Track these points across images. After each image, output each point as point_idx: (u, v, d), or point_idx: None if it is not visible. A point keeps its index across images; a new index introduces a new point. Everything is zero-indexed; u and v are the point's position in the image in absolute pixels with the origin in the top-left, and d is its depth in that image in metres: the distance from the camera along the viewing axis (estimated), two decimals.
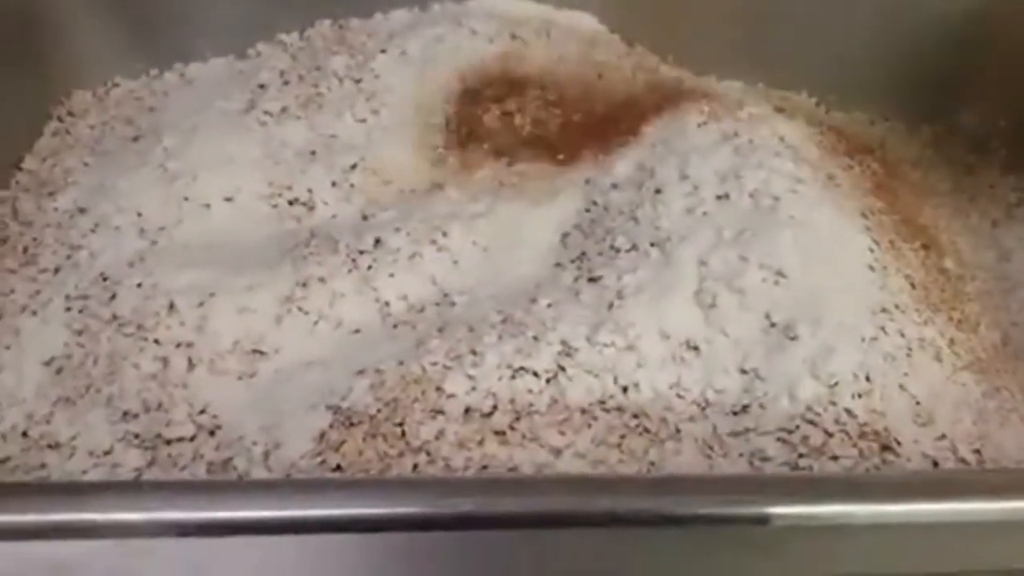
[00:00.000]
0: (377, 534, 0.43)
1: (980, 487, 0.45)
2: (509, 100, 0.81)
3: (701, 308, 0.60)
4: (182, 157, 0.73)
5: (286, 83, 0.81)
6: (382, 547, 0.43)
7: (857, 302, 0.60)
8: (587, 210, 0.71)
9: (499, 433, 0.55)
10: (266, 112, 0.78)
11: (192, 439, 0.57)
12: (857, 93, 0.88)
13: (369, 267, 0.65)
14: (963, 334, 0.64)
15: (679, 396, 0.57)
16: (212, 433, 0.58)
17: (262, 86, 0.81)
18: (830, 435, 0.54)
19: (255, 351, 0.61)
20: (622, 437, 0.56)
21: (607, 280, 0.63)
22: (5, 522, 0.41)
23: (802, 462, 0.53)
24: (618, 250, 0.65)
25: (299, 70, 0.83)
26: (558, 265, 0.67)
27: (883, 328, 0.59)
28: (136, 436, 0.57)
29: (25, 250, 0.70)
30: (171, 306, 0.62)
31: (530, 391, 0.57)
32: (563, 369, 0.58)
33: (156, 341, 0.61)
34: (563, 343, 0.59)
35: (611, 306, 0.60)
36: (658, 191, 0.68)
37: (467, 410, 0.56)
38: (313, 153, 0.75)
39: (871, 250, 0.64)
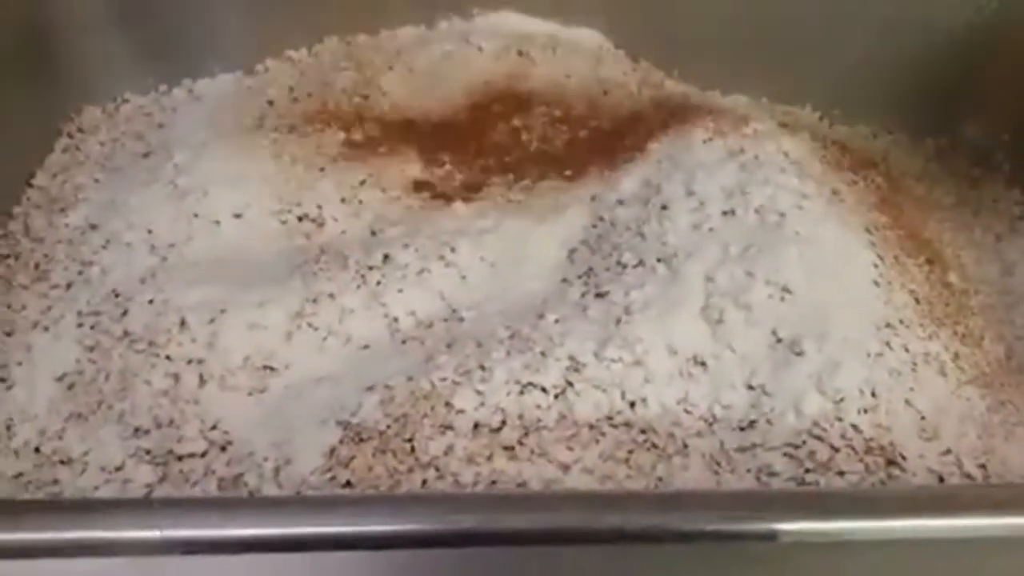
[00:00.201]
0: (388, 551, 0.43)
1: (985, 502, 0.45)
2: (516, 116, 0.81)
3: (708, 324, 0.60)
4: (192, 173, 0.73)
5: (295, 99, 0.82)
6: (393, 564, 0.44)
7: (862, 317, 0.60)
8: (594, 226, 0.71)
9: (508, 448, 0.56)
10: (275, 128, 0.78)
11: (203, 455, 0.58)
12: (861, 107, 0.89)
13: (378, 283, 0.66)
14: (967, 348, 0.64)
15: (686, 411, 0.58)
16: (223, 449, 0.58)
17: (270, 102, 0.82)
18: (836, 450, 0.54)
19: (266, 367, 0.62)
20: (630, 452, 0.56)
21: (614, 296, 0.63)
22: (16, 540, 0.41)
23: (808, 477, 0.53)
24: (625, 266, 0.66)
25: (307, 86, 0.84)
26: (565, 281, 0.68)
27: (888, 343, 0.59)
28: (148, 452, 0.58)
29: (37, 266, 0.71)
30: (182, 322, 0.62)
31: (538, 406, 0.57)
32: (571, 384, 0.58)
33: (167, 357, 0.61)
34: (571, 358, 0.59)
35: (618, 322, 0.61)
36: (664, 207, 0.69)
37: (476, 425, 0.56)
38: (322, 169, 0.75)
39: (875, 265, 0.64)
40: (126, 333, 0.63)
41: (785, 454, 0.54)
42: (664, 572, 0.45)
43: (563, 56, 0.87)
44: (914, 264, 0.68)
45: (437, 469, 0.55)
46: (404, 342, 0.64)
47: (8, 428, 0.60)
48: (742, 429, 0.56)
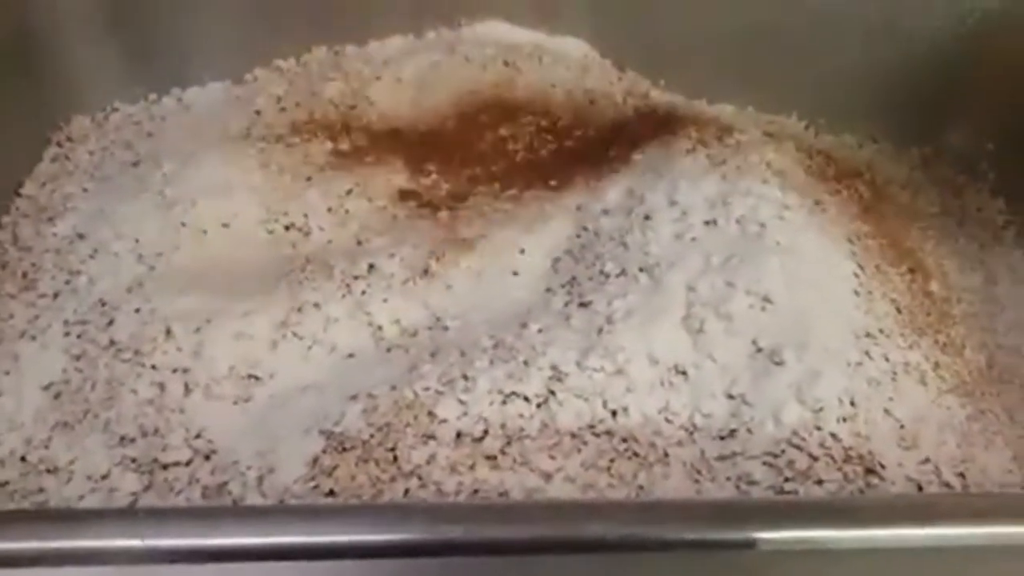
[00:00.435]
0: (371, 560, 0.43)
1: (964, 511, 0.46)
2: (502, 126, 0.82)
3: (689, 333, 0.61)
4: (180, 183, 0.74)
5: (282, 109, 0.82)
6: (376, 573, 0.44)
7: (842, 327, 0.61)
8: (578, 236, 0.72)
9: (490, 458, 0.56)
10: (262, 138, 0.79)
11: (188, 463, 0.58)
12: (846, 116, 0.89)
13: (363, 292, 0.66)
14: (948, 357, 0.64)
15: (667, 420, 0.58)
16: (208, 457, 0.58)
17: (258, 112, 0.82)
18: (815, 459, 0.54)
19: (251, 376, 0.62)
20: (611, 461, 0.56)
21: (597, 305, 0.64)
22: (1, 550, 0.42)
23: (788, 486, 0.54)
24: (608, 275, 0.66)
25: (295, 96, 0.84)
26: (549, 290, 0.68)
27: (868, 353, 0.59)
28: (133, 460, 0.58)
29: (24, 275, 0.71)
30: (168, 332, 0.62)
31: (521, 415, 0.58)
32: (553, 393, 0.58)
33: (153, 366, 0.61)
34: (553, 368, 0.59)
35: (601, 331, 0.61)
36: (647, 217, 0.69)
37: (458, 435, 0.57)
38: (309, 179, 0.76)
39: (856, 275, 0.65)
40: (112, 342, 0.63)
41: (765, 463, 0.55)
42: None
43: (549, 66, 0.88)
44: (896, 273, 0.69)
45: (420, 478, 0.55)
46: (388, 350, 0.64)
47: None
48: (722, 438, 0.57)
